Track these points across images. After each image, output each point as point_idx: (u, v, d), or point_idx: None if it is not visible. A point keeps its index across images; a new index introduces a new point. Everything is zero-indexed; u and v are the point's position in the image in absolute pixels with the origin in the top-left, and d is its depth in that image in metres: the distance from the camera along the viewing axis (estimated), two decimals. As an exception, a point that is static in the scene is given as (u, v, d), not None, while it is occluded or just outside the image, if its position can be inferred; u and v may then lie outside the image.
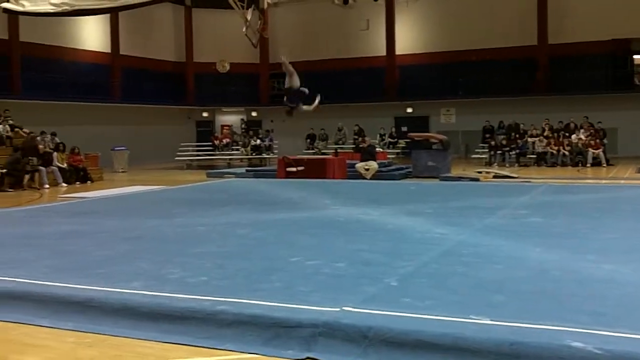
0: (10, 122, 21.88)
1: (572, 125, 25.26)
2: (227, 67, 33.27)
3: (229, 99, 35.46)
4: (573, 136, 24.34)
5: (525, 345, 3.84)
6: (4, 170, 17.79)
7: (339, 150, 22.92)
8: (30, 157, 18.71)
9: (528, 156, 25.14)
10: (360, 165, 18.71)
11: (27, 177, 18.27)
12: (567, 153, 23.84)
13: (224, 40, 34.24)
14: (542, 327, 4.07)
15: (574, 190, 13.64)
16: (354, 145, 27.62)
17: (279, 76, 35.38)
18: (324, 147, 29.38)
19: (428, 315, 4.40)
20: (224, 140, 31.29)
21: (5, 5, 13.98)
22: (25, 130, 21.74)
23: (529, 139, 25.32)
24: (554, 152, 24.10)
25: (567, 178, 18.17)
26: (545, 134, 25.03)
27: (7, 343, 4.64)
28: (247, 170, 21.62)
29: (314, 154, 27.81)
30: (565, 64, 29.53)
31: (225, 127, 35.45)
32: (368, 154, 19.15)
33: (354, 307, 4.62)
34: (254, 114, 36.56)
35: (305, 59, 34.54)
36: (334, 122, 30.90)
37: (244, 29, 21.27)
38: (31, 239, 8.31)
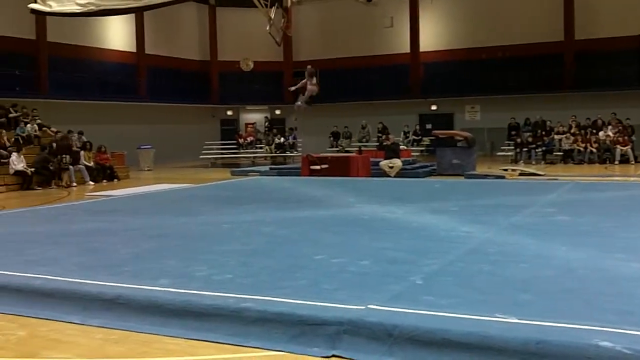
0: (38, 121, 22.15)
1: (599, 121, 24.99)
2: (251, 66, 33.32)
3: (253, 97, 35.56)
4: (600, 133, 24.08)
5: (551, 344, 3.81)
6: (33, 169, 18.00)
7: (362, 148, 22.89)
8: (63, 155, 18.97)
9: (554, 153, 24.91)
10: (384, 163, 18.67)
11: (64, 174, 18.53)
12: (594, 150, 23.59)
13: (247, 39, 34.33)
14: (569, 326, 4.04)
15: (602, 188, 13.50)
16: (377, 143, 27.60)
17: (302, 74, 35.57)
18: (348, 145, 29.37)
19: (454, 313, 4.38)
20: (248, 139, 31.40)
21: (33, 5, 14.17)
22: (52, 129, 21.99)
23: (556, 136, 25.09)
24: (581, 149, 23.86)
25: (595, 176, 17.97)
26: (572, 130, 24.78)
27: (37, 339, 4.71)
28: (271, 168, 21.69)
29: (337, 151, 27.81)
30: (593, 59, 29.17)
31: (249, 126, 35.57)
32: (392, 152, 19.09)
33: (379, 305, 4.61)
34: (277, 112, 36.62)
35: (329, 56, 34.65)
36: (358, 120, 30.89)
37: (267, 27, 21.33)
38: (59, 236, 8.42)
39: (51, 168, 18.44)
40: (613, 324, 4.05)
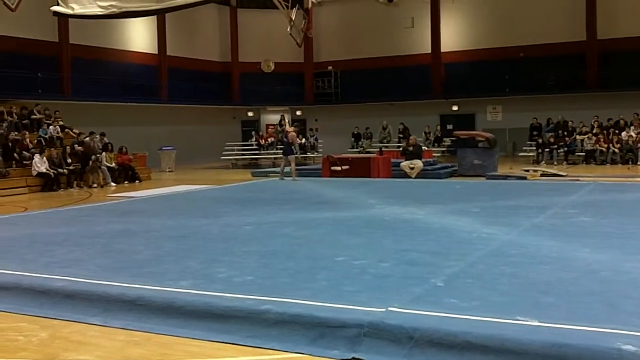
0: (61, 123, 22.34)
1: (622, 122, 24.74)
2: (272, 67, 33.50)
3: (273, 98, 35.64)
4: (623, 133, 23.83)
5: (573, 348, 3.78)
6: (54, 171, 18.15)
7: (383, 149, 22.84)
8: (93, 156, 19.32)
9: (577, 154, 24.70)
10: (405, 164, 18.61)
11: (89, 175, 18.83)
12: (616, 151, 23.34)
13: (268, 40, 34.44)
14: (591, 329, 4.00)
15: (624, 189, 13.36)
16: (400, 149, 27.55)
17: (323, 75, 35.62)
18: (369, 146, 29.31)
19: (475, 316, 4.36)
20: (269, 140, 31.45)
21: (55, 8, 14.34)
22: (75, 131, 22.17)
23: (578, 137, 24.87)
24: (604, 149, 23.63)
25: (617, 176, 17.80)
26: (594, 131, 24.55)
27: (59, 341, 4.75)
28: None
29: (358, 152, 27.77)
30: (615, 59, 28.88)
31: (270, 126, 35.64)
32: (413, 153, 19.01)
33: (400, 308, 4.60)
34: (298, 112, 36.67)
35: (349, 57, 34.65)
36: (379, 121, 30.81)
37: (288, 29, 21.40)
38: (81, 237, 8.49)
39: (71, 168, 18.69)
40: (636, 327, 4.01)
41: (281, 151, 18.19)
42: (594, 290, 5.06)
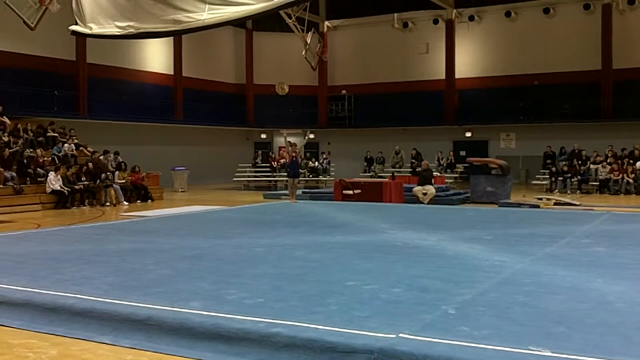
0: (76, 141, 22.50)
1: (636, 152, 24.63)
2: (287, 90, 33.59)
3: (287, 121, 35.72)
4: (638, 163, 23.70)
5: (587, 380, 3.74)
6: (68, 189, 18.24)
7: (396, 174, 22.83)
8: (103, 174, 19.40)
9: (590, 183, 24.57)
10: (417, 189, 18.58)
11: (101, 194, 18.91)
12: (631, 181, 23.20)
13: (283, 63, 34.64)
14: (606, 361, 3.96)
15: (639, 220, 13.26)
16: (411, 169, 27.49)
17: (337, 99, 35.73)
18: (381, 171, 29.30)
19: (486, 345, 4.32)
20: (281, 161, 31.47)
21: (74, 27, 14.47)
22: (89, 149, 22.31)
23: (592, 166, 24.77)
24: (618, 179, 23.51)
25: (632, 207, 17.69)
26: (608, 160, 24.45)
27: (69, 358, 4.74)
28: (303, 192, 21.69)
29: (370, 177, 27.76)
30: (631, 88, 28.83)
31: (282, 149, 35.70)
32: (424, 179, 18.99)
33: (411, 334, 4.57)
34: (311, 136, 36.69)
35: (364, 82, 34.79)
36: (392, 146, 30.81)
37: (303, 52, 21.53)
38: (93, 255, 8.50)
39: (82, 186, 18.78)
40: (651, 360, 3.96)
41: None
42: (608, 321, 5.00)
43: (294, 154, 18.52)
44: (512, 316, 5.14)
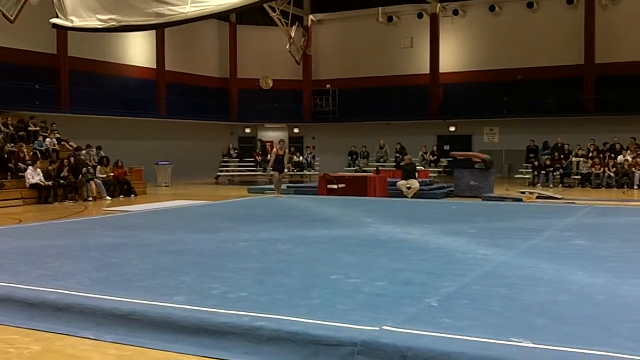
0: (57, 135, 22.34)
1: (617, 145, 24.82)
2: (271, 84, 33.56)
3: (271, 116, 35.71)
4: (619, 157, 23.89)
5: (568, 371, 3.77)
6: (48, 182, 18.12)
7: (380, 168, 22.87)
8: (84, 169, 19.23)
9: (572, 177, 24.75)
10: (401, 184, 18.63)
11: (82, 188, 18.71)
12: (612, 174, 23.39)
13: (267, 57, 34.57)
14: (585, 352, 4.00)
15: (620, 213, 13.38)
16: (395, 163, 27.54)
17: (321, 93, 35.71)
18: (365, 165, 29.33)
19: (468, 336, 4.35)
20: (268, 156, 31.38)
21: (55, 20, 14.33)
22: (71, 143, 22.17)
23: (574, 159, 24.94)
24: (599, 173, 23.68)
25: (613, 200, 17.84)
26: (590, 154, 24.63)
27: (51, 354, 4.72)
28: (287, 187, 21.68)
29: (355, 171, 27.78)
30: (613, 83, 29.03)
31: (268, 143, 35.70)
32: (409, 173, 19.05)
33: (394, 327, 4.59)
34: (296, 130, 36.74)
35: (348, 76, 34.78)
36: (376, 140, 30.84)
37: (287, 46, 21.48)
38: (76, 251, 8.46)
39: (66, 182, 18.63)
40: (630, 351, 4.01)
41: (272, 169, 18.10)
42: (588, 313, 5.05)
43: (280, 152, 18.31)
44: (494, 308, 5.18)
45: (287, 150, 17.27)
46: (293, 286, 6.10)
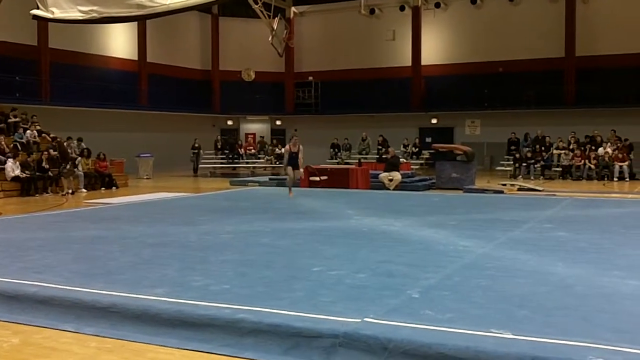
0: (38, 127, 22.12)
1: (598, 138, 25.01)
2: (253, 76, 33.52)
3: (253, 108, 35.63)
4: (600, 149, 24.08)
5: (547, 361, 3.80)
6: (28, 175, 17.95)
7: (362, 160, 22.88)
8: (62, 162, 18.98)
9: (553, 169, 24.93)
10: (384, 176, 18.66)
11: (63, 181, 18.52)
12: (592, 167, 23.58)
13: (249, 49, 34.49)
14: (565, 343, 4.03)
15: (600, 205, 13.50)
16: (377, 156, 27.59)
17: (303, 85, 35.67)
18: (348, 157, 29.36)
19: (449, 328, 4.38)
20: (250, 149, 31.36)
21: (35, 12, 14.21)
22: (52, 135, 21.96)
23: (555, 152, 25.11)
24: (580, 165, 23.87)
25: (593, 192, 17.98)
26: (571, 147, 24.80)
27: (31, 347, 4.69)
28: (270, 179, 21.66)
29: (337, 163, 27.80)
30: (593, 76, 29.26)
31: (249, 136, 35.63)
32: (392, 165, 19.08)
33: (375, 319, 4.61)
34: (278, 122, 36.71)
35: (330, 68, 34.77)
36: (358, 132, 30.90)
37: (270, 38, 21.39)
38: (56, 243, 8.41)
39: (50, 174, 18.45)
40: (608, 341, 4.05)
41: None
42: (568, 304, 5.09)
43: (294, 148, 17.07)
44: (475, 300, 5.21)
45: (301, 147, 16.40)
46: (275, 278, 6.10)
